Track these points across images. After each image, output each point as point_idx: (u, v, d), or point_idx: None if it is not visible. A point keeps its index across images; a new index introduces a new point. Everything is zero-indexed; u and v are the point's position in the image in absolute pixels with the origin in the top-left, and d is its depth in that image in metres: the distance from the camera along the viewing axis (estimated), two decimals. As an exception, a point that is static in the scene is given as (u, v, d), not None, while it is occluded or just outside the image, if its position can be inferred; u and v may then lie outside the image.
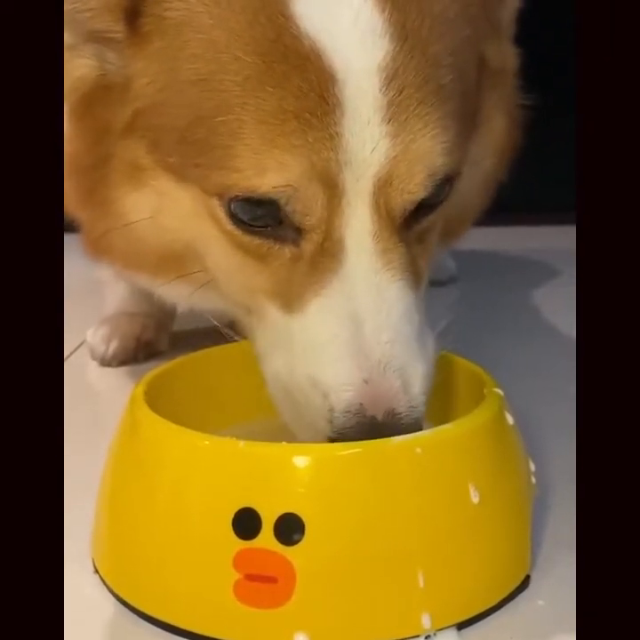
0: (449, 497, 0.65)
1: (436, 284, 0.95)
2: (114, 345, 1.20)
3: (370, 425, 0.67)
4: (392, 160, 0.68)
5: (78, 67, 0.76)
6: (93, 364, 1.21)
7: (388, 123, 0.67)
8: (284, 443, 0.68)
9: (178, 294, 0.89)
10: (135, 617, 0.67)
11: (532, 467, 0.73)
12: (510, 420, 0.72)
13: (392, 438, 0.65)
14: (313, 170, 0.67)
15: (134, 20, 0.73)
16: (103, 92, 0.77)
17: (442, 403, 0.81)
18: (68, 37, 0.75)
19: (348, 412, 0.67)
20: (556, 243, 1.78)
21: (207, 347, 0.84)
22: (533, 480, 0.73)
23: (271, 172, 0.67)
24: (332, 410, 0.68)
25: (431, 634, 0.63)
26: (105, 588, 0.70)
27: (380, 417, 0.67)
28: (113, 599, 0.69)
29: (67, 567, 0.61)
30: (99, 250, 0.88)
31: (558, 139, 1.11)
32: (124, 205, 0.80)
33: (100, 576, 0.71)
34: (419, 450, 0.64)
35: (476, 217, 0.92)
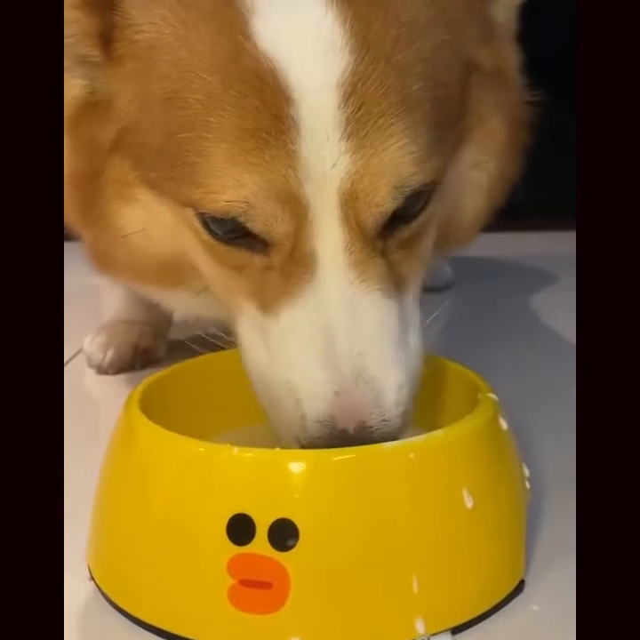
0: (443, 502, 0.65)
1: (432, 290, 0.94)
2: (111, 353, 1.20)
3: (341, 437, 0.67)
4: (354, 175, 0.68)
5: (72, 87, 0.79)
6: (90, 372, 1.21)
7: (348, 139, 0.67)
8: (278, 449, 0.69)
9: (182, 303, 0.90)
10: (130, 623, 0.67)
11: (526, 472, 0.73)
12: (504, 425, 0.72)
13: (385, 444, 0.65)
14: (270, 187, 0.68)
15: (108, 45, 0.75)
16: (92, 109, 0.79)
17: (436, 408, 0.81)
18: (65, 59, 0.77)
19: (320, 422, 0.68)
20: (551, 248, 1.79)
21: (203, 354, 0.84)
22: (527, 485, 0.73)
23: (230, 189, 0.68)
24: (303, 417, 0.69)
25: (425, 638, 0.63)
26: (100, 594, 0.70)
27: (350, 430, 0.67)
28: (108, 605, 0.69)
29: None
30: (104, 264, 0.89)
31: (556, 143, 1.11)
32: (119, 219, 0.82)
33: (95, 582, 0.71)
34: (412, 455, 0.65)
35: (483, 220, 0.91)
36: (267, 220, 0.69)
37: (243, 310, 0.75)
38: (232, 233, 0.72)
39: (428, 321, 0.76)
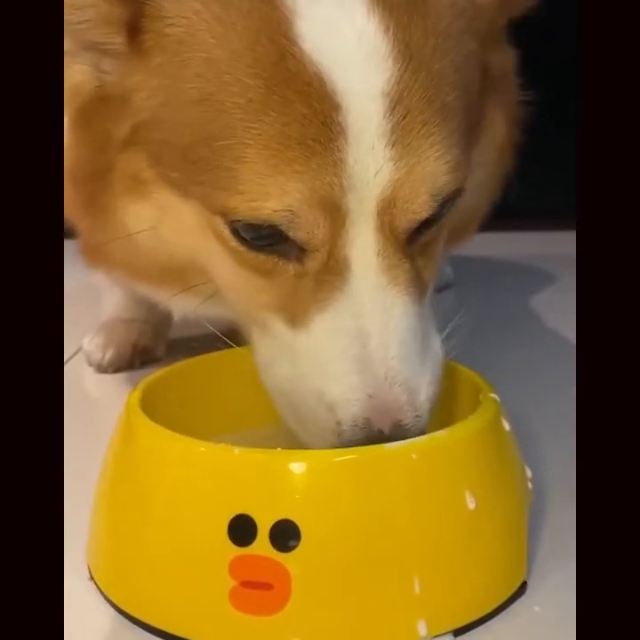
0: (445, 503, 0.65)
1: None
2: (110, 352, 1.20)
3: (377, 438, 0.67)
4: (395, 182, 0.68)
5: (75, 73, 0.76)
6: (90, 371, 1.20)
7: (393, 147, 0.67)
8: (279, 449, 0.68)
9: (184, 307, 0.90)
10: (130, 624, 0.67)
11: (529, 473, 0.73)
12: (507, 426, 0.72)
13: (387, 444, 0.65)
14: (315, 195, 0.67)
15: (135, 35, 0.73)
16: (102, 103, 0.76)
17: (438, 408, 0.81)
18: (66, 43, 0.74)
19: (355, 425, 0.68)
20: (550, 248, 1.79)
21: (203, 353, 0.84)
22: (530, 486, 0.73)
23: (273, 197, 0.67)
24: (339, 423, 0.69)
25: (427, 640, 0.63)
26: (100, 594, 0.70)
27: (386, 430, 0.68)
28: (108, 606, 0.69)
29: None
30: (96, 258, 0.88)
31: (554, 143, 1.10)
32: (124, 216, 0.80)
33: (95, 583, 0.71)
34: (414, 456, 0.64)
35: (481, 218, 0.91)
36: (309, 227, 0.69)
37: (268, 326, 0.74)
38: (265, 239, 0.71)
39: (449, 329, 0.77)
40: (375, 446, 0.65)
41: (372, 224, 0.69)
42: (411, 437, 0.67)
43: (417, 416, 0.69)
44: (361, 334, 0.69)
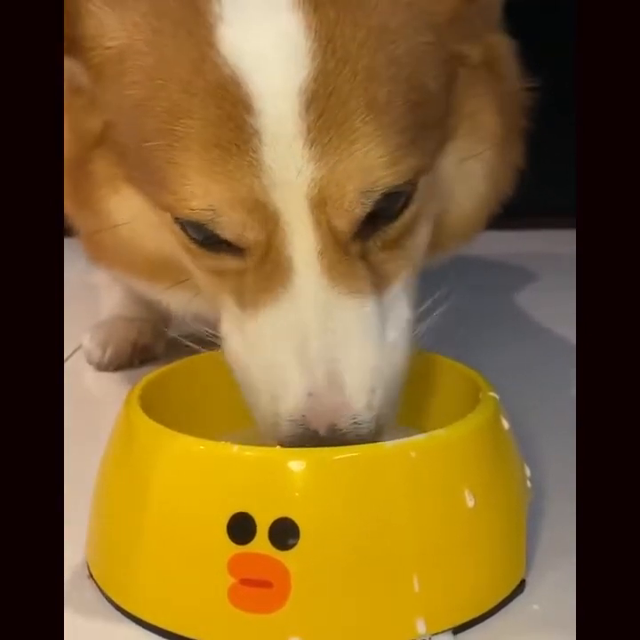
0: (444, 501, 0.65)
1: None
2: (110, 350, 1.20)
3: (312, 437, 0.67)
4: (320, 182, 0.68)
5: None
6: (90, 369, 1.20)
7: (311, 146, 0.67)
8: (278, 447, 0.68)
9: (179, 302, 0.90)
10: (129, 622, 0.67)
11: (528, 471, 0.73)
12: (506, 424, 0.72)
13: (386, 442, 0.65)
14: (235, 196, 0.68)
15: (83, 54, 0.75)
16: (78, 96, 0.79)
17: (437, 406, 0.81)
18: None
19: (293, 420, 0.68)
20: (538, 247, 1.79)
21: (203, 351, 0.84)
22: (529, 484, 0.73)
23: (197, 197, 0.69)
24: (277, 415, 0.69)
25: (426, 638, 0.63)
26: (99, 592, 0.70)
27: (322, 431, 0.68)
28: (107, 603, 0.69)
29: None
30: (97, 252, 0.89)
31: (550, 142, 1.10)
32: (106, 207, 0.82)
33: (94, 580, 0.71)
34: (413, 454, 0.64)
35: (487, 210, 0.90)
36: (234, 227, 0.70)
37: (224, 306, 0.76)
38: (209, 238, 0.72)
39: (422, 308, 0.77)
40: (374, 444, 0.65)
41: (308, 223, 0.69)
42: (350, 443, 0.66)
43: (355, 423, 0.68)
44: (302, 332, 0.69)
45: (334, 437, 0.67)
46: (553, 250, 1.63)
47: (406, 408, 0.75)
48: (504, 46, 0.85)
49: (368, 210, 0.70)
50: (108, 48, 0.74)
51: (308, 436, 0.68)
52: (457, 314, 0.76)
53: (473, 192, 0.86)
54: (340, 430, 0.68)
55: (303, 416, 0.68)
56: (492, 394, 0.73)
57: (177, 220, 0.73)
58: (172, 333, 0.98)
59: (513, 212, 0.93)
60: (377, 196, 0.69)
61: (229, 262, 0.73)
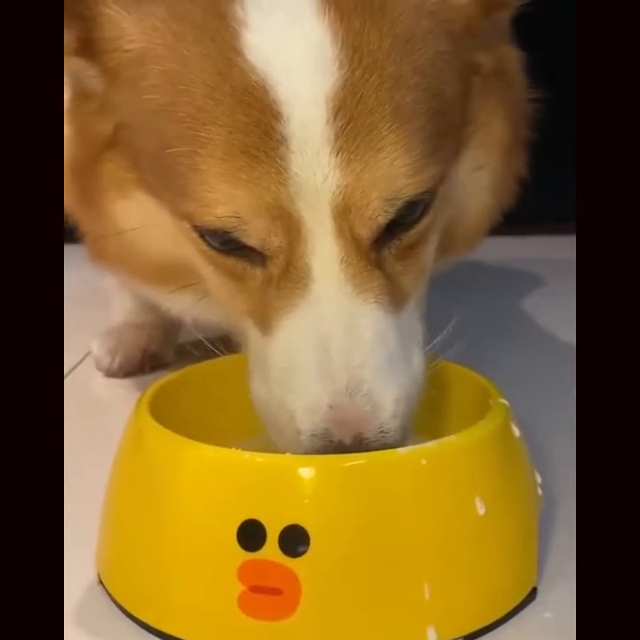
0: (454, 508, 0.65)
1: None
2: (119, 357, 1.19)
3: (338, 448, 0.67)
4: (345, 189, 0.68)
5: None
6: (99, 375, 1.20)
7: (338, 153, 0.67)
8: (288, 454, 0.68)
9: (182, 305, 0.90)
10: (139, 628, 0.67)
11: (539, 478, 0.73)
12: (517, 431, 0.72)
13: (397, 449, 0.65)
14: (261, 203, 0.68)
15: (97, 57, 0.75)
16: (88, 100, 0.79)
17: (447, 413, 0.81)
18: None
19: (314, 435, 0.68)
20: (542, 253, 1.79)
21: (213, 357, 0.84)
22: (540, 492, 0.72)
23: (221, 204, 0.69)
24: (299, 432, 0.69)
25: (437, 646, 0.63)
26: (109, 599, 0.70)
27: (347, 441, 0.67)
28: (117, 610, 0.69)
29: (71, 578, 0.60)
30: (100, 254, 0.89)
31: (550, 148, 1.10)
32: (113, 211, 0.82)
33: (104, 587, 0.71)
34: (424, 461, 0.64)
35: (491, 219, 0.90)
36: (259, 234, 0.69)
37: (247, 332, 0.76)
38: (228, 244, 0.72)
39: (437, 339, 0.77)
40: (385, 451, 0.65)
41: (330, 231, 0.69)
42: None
43: (381, 431, 0.68)
44: (323, 342, 0.69)
45: (360, 447, 0.67)
46: (555, 255, 1.63)
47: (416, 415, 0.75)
48: (513, 57, 0.86)
49: (390, 217, 0.70)
50: (127, 51, 0.73)
51: (333, 448, 0.67)
52: (459, 319, 0.77)
53: (478, 202, 0.86)
54: (367, 439, 0.67)
55: (326, 429, 0.68)
56: (502, 400, 0.72)
57: (196, 227, 0.72)
58: (182, 340, 0.99)
59: (514, 219, 0.93)
60: (400, 204, 0.70)
61: (252, 270, 0.73)
